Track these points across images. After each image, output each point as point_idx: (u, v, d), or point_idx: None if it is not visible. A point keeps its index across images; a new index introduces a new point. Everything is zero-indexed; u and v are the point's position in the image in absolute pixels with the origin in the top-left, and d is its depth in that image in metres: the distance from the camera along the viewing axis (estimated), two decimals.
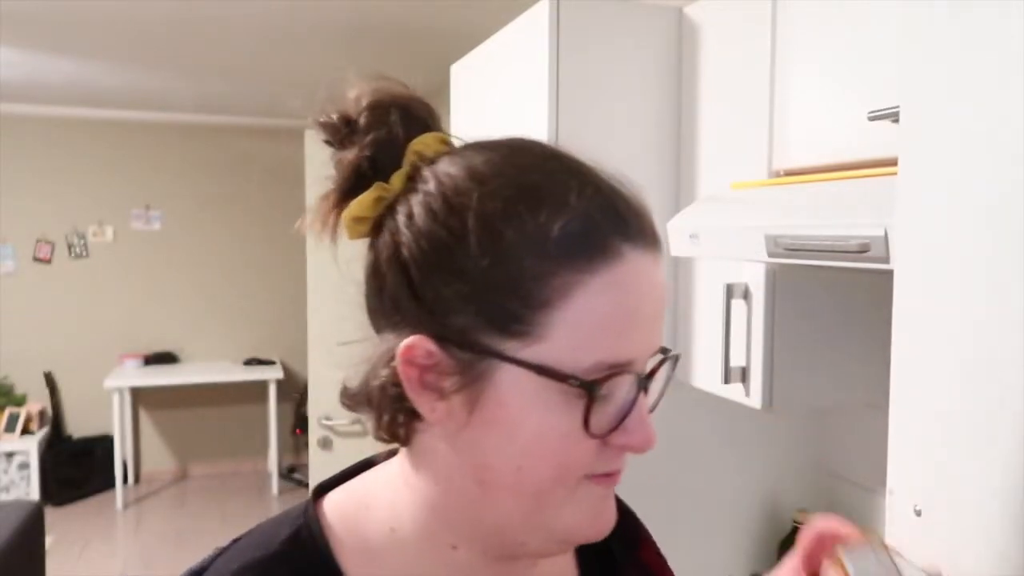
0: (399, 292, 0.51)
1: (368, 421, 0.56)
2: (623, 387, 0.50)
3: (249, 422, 5.32)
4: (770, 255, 1.09)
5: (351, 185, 0.54)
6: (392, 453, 0.60)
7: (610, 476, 0.53)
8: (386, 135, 0.54)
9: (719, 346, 1.29)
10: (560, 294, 0.48)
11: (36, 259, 4.98)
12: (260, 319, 5.35)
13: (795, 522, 1.54)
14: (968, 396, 0.67)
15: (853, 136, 1.09)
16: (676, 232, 1.33)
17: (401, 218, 0.51)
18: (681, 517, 1.63)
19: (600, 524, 0.54)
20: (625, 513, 0.71)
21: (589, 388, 0.48)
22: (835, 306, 1.28)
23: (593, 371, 0.48)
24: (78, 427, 5.04)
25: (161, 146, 5.14)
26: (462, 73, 2.01)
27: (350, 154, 0.54)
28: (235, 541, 0.58)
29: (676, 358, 0.55)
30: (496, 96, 1.79)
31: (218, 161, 5.24)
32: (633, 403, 0.51)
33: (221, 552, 0.57)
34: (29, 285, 4.96)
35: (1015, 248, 0.62)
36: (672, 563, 0.76)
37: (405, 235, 0.51)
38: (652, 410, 0.54)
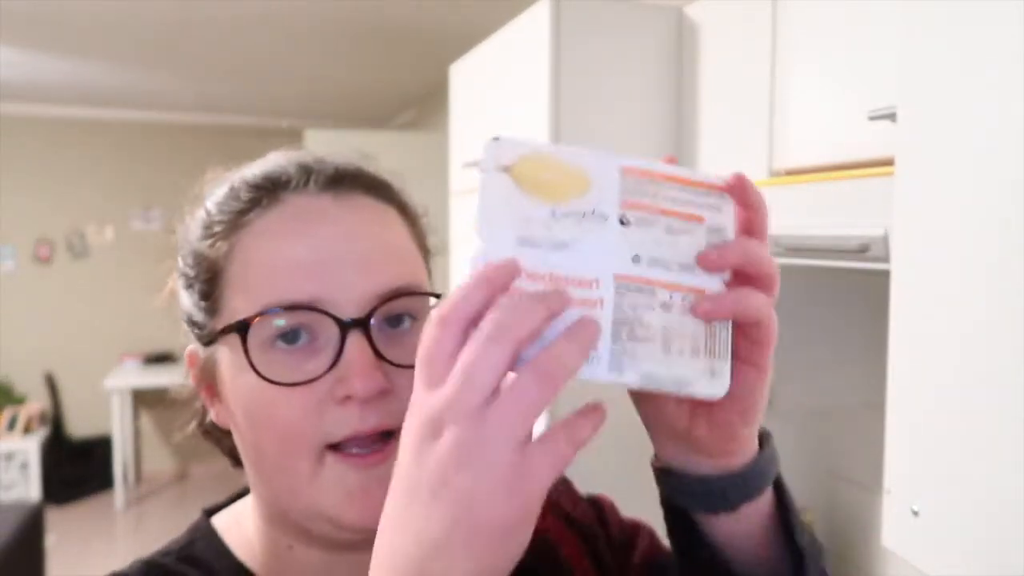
0: (182, 312, 0.56)
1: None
2: (323, 329, 0.48)
3: None
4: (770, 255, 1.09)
5: None
6: None
7: (362, 457, 0.48)
8: None
9: None
10: (225, 257, 0.50)
11: (36, 259, 4.98)
12: None
13: None
14: (965, 396, 0.67)
15: (853, 136, 1.09)
16: None
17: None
18: None
19: (360, 507, 0.47)
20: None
21: (238, 328, 0.48)
22: (835, 306, 1.28)
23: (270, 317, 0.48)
24: (78, 427, 5.04)
25: (161, 146, 5.14)
26: (462, 73, 2.01)
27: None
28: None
29: (437, 297, 0.52)
30: (496, 96, 1.79)
31: (218, 161, 5.21)
32: (339, 345, 0.47)
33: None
34: (29, 285, 4.95)
35: (1013, 248, 0.62)
36: None
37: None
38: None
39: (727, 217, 0.42)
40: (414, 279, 0.51)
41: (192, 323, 0.54)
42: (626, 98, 1.53)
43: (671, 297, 0.39)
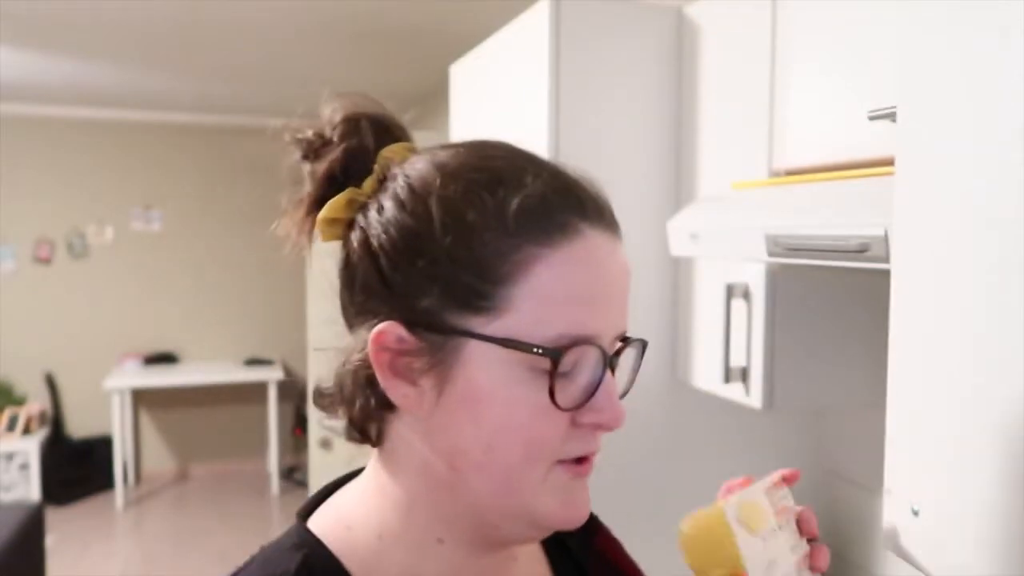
0: (370, 281, 0.53)
1: (341, 423, 0.58)
2: (589, 362, 0.52)
3: (249, 422, 5.32)
4: (770, 255, 1.09)
5: (324, 192, 0.57)
6: (356, 473, 0.62)
7: (582, 464, 0.54)
8: (358, 144, 0.57)
9: (719, 346, 1.29)
10: (521, 268, 0.50)
11: (36, 259, 4.99)
12: (260, 319, 5.35)
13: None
14: (965, 397, 0.67)
15: (853, 136, 1.09)
16: (676, 232, 1.33)
17: (372, 213, 0.54)
18: (681, 516, 1.63)
19: (573, 511, 0.55)
20: None
21: (553, 355, 0.49)
22: (835, 306, 1.28)
23: (557, 343, 0.50)
24: (78, 427, 5.04)
25: (161, 146, 5.14)
26: (462, 73, 2.01)
27: (323, 164, 0.57)
28: (238, 571, 0.56)
29: (644, 344, 0.57)
30: (496, 96, 1.79)
31: (218, 161, 5.24)
32: (601, 378, 0.52)
33: None
34: (29, 285, 4.96)
35: (1012, 248, 0.62)
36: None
37: (375, 227, 0.53)
38: (623, 396, 0.55)
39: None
40: None
41: (423, 307, 0.51)
42: (626, 98, 1.53)
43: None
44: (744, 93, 1.34)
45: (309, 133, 0.58)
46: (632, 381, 0.58)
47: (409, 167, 0.55)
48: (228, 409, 5.33)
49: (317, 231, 0.57)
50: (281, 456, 5.14)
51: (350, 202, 0.55)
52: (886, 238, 0.86)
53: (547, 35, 1.46)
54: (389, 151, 0.57)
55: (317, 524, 0.58)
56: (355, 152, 0.56)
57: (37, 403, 4.88)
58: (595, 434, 0.54)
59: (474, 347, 0.50)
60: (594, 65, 1.50)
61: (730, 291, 1.26)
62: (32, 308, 4.95)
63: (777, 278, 1.23)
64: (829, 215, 1.00)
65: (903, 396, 0.76)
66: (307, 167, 0.58)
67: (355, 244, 0.54)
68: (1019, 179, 0.61)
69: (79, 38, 3.14)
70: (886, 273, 0.81)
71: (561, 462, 0.53)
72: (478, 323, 0.50)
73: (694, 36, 1.50)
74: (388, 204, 0.53)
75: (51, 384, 4.98)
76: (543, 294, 0.50)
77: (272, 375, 5.00)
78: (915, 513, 0.73)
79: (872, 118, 0.97)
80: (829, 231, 0.96)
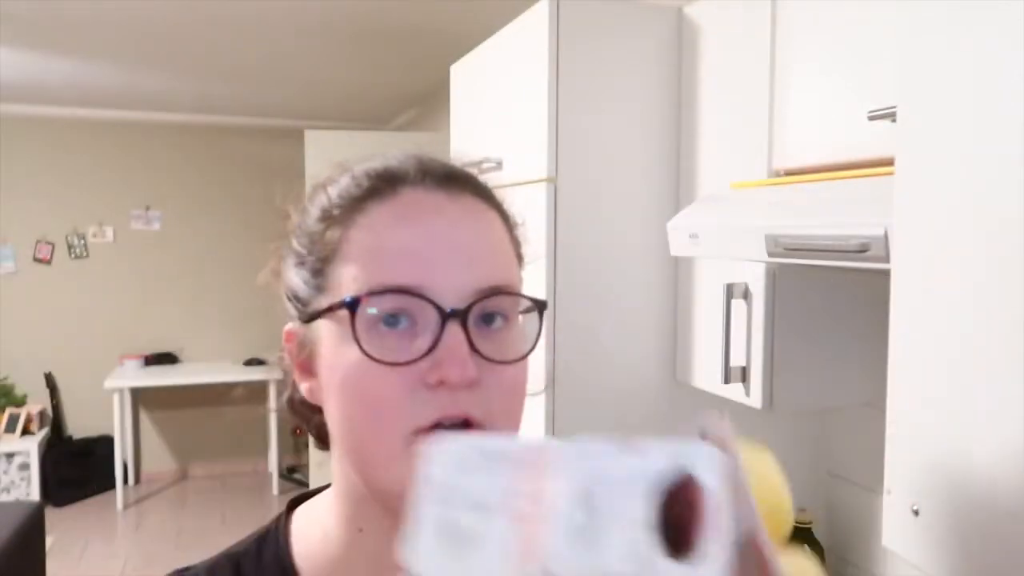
0: (287, 289, 0.58)
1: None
2: (426, 317, 0.50)
3: (249, 422, 5.31)
4: (770, 255, 1.09)
5: None
6: None
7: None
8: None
9: (719, 346, 1.29)
10: (342, 241, 0.53)
11: (36, 259, 4.98)
12: (260, 319, 5.33)
13: (795, 522, 1.54)
14: (965, 397, 0.67)
15: (853, 136, 1.09)
16: (676, 232, 1.33)
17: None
18: None
19: None
20: None
21: (349, 304, 0.50)
22: (835, 306, 1.28)
23: (379, 298, 0.50)
24: (78, 428, 5.04)
25: (161, 146, 5.14)
26: (462, 73, 2.01)
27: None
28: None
29: (537, 304, 0.55)
30: (496, 96, 1.79)
31: (218, 161, 5.24)
32: (439, 332, 0.50)
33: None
34: (29, 285, 4.95)
35: (1013, 248, 0.62)
36: None
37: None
38: (523, 357, 0.53)
39: None
40: (510, 280, 0.55)
41: (296, 299, 0.57)
42: (626, 98, 1.53)
43: None
44: (744, 93, 1.34)
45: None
46: (534, 341, 0.55)
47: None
48: (228, 409, 5.33)
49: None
50: (281, 456, 5.14)
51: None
52: (886, 238, 0.86)
53: (547, 35, 1.46)
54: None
55: (298, 515, 0.63)
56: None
57: (37, 403, 4.88)
58: (452, 395, 0.50)
59: (323, 324, 0.54)
60: (594, 65, 1.50)
61: (730, 291, 1.26)
62: (32, 308, 4.95)
63: (777, 278, 1.23)
64: (829, 215, 1.00)
65: (903, 396, 0.76)
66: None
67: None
68: (1019, 179, 0.61)
69: (79, 38, 3.14)
70: (886, 273, 0.81)
71: (423, 435, 0.49)
72: (322, 301, 0.54)
73: (694, 36, 1.50)
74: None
75: (51, 384, 4.98)
76: (356, 253, 0.52)
77: (272, 375, 4.99)
78: (916, 513, 0.73)
79: (872, 118, 0.97)
80: (829, 231, 0.96)
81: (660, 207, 1.53)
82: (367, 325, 0.50)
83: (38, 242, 4.98)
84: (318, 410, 0.57)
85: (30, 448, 4.56)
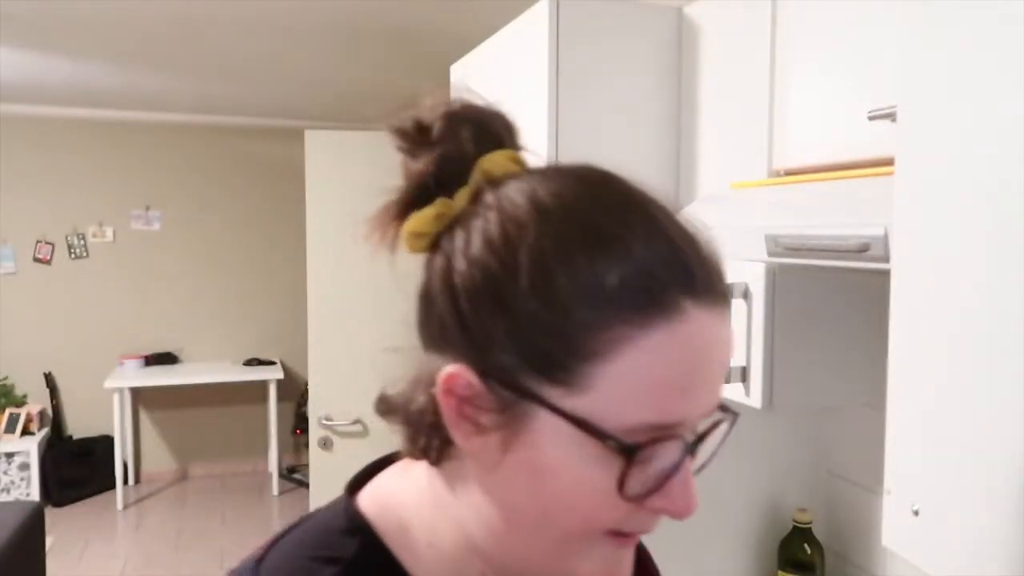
0: (447, 319, 0.49)
1: (397, 433, 0.56)
2: (668, 451, 0.48)
3: (249, 422, 5.32)
4: (770, 255, 1.09)
5: (414, 198, 0.52)
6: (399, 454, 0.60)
7: (631, 536, 0.51)
8: (455, 150, 0.52)
9: None
10: (610, 348, 0.45)
11: (36, 259, 4.98)
12: (260, 319, 5.35)
13: (795, 522, 1.54)
14: (965, 396, 0.67)
15: (853, 136, 1.09)
16: None
17: (459, 242, 0.49)
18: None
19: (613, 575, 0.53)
20: (642, 559, 0.70)
21: (628, 451, 0.46)
22: (835, 306, 1.28)
23: (636, 431, 0.46)
24: (78, 427, 5.04)
25: (161, 146, 5.14)
26: (462, 73, 2.01)
27: (418, 165, 0.52)
28: (276, 540, 0.57)
29: (735, 417, 0.52)
30: (496, 96, 1.78)
31: (218, 161, 5.24)
32: (677, 468, 0.48)
33: (271, 546, 0.56)
34: (29, 285, 4.96)
35: (1012, 248, 0.62)
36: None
37: (460, 261, 0.49)
38: (699, 470, 0.51)
39: None
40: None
41: (500, 369, 0.47)
42: (626, 98, 1.53)
43: None
44: (744, 93, 1.34)
45: (409, 124, 0.52)
46: (715, 454, 0.52)
47: (505, 197, 0.49)
48: (228, 409, 5.33)
49: (402, 241, 0.52)
50: (281, 456, 5.15)
51: (439, 216, 0.51)
52: (886, 238, 0.86)
53: (547, 35, 1.46)
54: (489, 162, 0.51)
55: (367, 507, 0.57)
56: (451, 158, 0.51)
57: (37, 403, 4.88)
58: (658, 516, 0.50)
59: (547, 417, 0.47)
60: (594, 65, 1.50)
61: (730, 291, 1.26)
62: (32, 308, 4.95)
63: (777, 278, 1.23)
64: (829, 215, 1.00)
65: (903, 396, 0.76)
66: (405, 162, 0.53)
67: (437, 272, 0.50)
68: (1019, 179, 0.61)
69: (79, 38, 3.14)
70: (886, 273, 0.81)
71: (613, 532, 0.50)
72: (555, 394, 0.46)
73: (694, 36, 1.50)
74: (476, 239, 0.48)
75: (51, 384, 4.98)
76: (629, 380, 0.45)
77: (272, 375, 5.00)
78: (916, 513, 0.73)
79: (872, 118, 0.97)
80: (829, 231, 0.96)
81: None
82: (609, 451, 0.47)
83: (38, 242, 4.98)
84: (440, 428, 0.51)
85: (30, 448, 4.57)
